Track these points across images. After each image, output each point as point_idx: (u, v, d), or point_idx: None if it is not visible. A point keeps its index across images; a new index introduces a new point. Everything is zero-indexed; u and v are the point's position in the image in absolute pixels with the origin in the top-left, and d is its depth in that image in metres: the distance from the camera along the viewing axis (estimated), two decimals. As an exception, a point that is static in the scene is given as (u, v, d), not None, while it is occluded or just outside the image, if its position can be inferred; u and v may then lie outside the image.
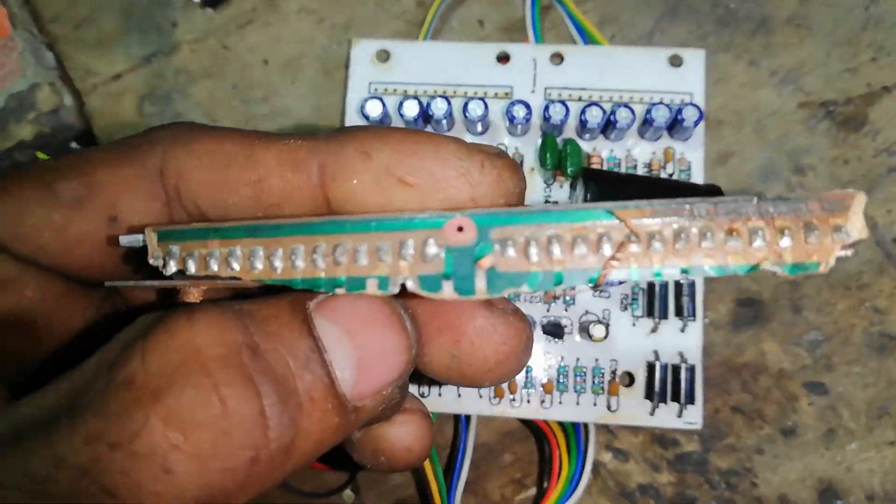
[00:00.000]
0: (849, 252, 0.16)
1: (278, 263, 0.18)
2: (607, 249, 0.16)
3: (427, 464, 0.36)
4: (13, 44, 0.45)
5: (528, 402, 0.37)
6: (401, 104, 0.37)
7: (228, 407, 0.15)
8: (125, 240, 0.18)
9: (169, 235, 0.18)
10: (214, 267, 0.18)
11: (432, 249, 0.17)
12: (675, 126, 0.37)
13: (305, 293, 0.18)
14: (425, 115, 0.37)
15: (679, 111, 0.36)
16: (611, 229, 0.17)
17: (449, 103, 0.37)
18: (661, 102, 0.37)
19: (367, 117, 0.37)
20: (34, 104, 0.44)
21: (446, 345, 0.19)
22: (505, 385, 0.37)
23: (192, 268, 0.18)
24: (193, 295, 0.19)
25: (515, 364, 0.20)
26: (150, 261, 0.18)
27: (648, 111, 0.36)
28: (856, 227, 0.16)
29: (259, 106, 0.42)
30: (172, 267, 0.18)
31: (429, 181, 0.18)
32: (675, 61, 0.39)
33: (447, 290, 0.17)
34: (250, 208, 0.18)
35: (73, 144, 0.45)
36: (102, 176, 0.18)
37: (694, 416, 0.36)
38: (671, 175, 0.38)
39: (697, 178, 0.38)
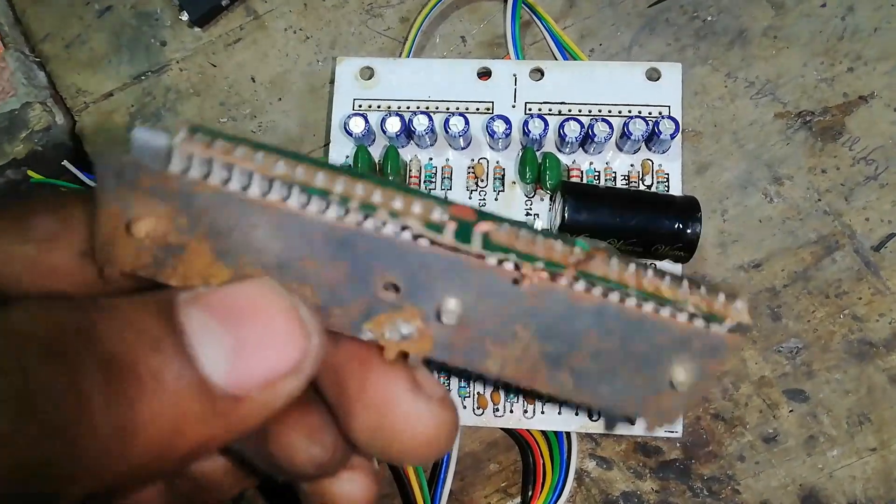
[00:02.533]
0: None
1: (300, 174, 0.18)
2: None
3: (411, 474, 0.37)
4: (4, 63, 0.46)
5: (511, 411, 0.37)
6: (383, 120, 0.38)
7: (30, 381, 0.14)
8: (141, 136, 0.17)
9: (198, 130, 0.18)
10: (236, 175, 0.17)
11: (437, 214, 0.18)
12: (652, 139, 0.37)
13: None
14: (408, 131, 0.38)
15: (656, 124, 0.37)
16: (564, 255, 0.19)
17: (431, 119, 0.37)
18: (638, 115, 0.37)
19: (350, 133, 0.38)
20: (26, 123, 0.45)
21: (371, 422, 0.20)
22: (488, 395, 0.38)
23: (218, 172, 0.17)
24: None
25: (436, 451, 0.20)
26: (175, 163, 0.17)
27: (626, 125, 0.37)
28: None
29: (247, 122, 0.43)
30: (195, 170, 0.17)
31: None
32: (653, 75, 0.39)
33: (448, 232, 0.18)
34: None
35: (66, 163, 0.46)
36: (75, 212, 0.19)
37: (675, 425, 0.37)
38: (650, 186, 0.38)
39: (676, 188, 0.38)
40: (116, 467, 0.15)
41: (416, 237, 0.18)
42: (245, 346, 0.17)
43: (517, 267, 0.18)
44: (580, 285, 0.18)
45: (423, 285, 0.19)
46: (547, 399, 0.37)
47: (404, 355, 0.20)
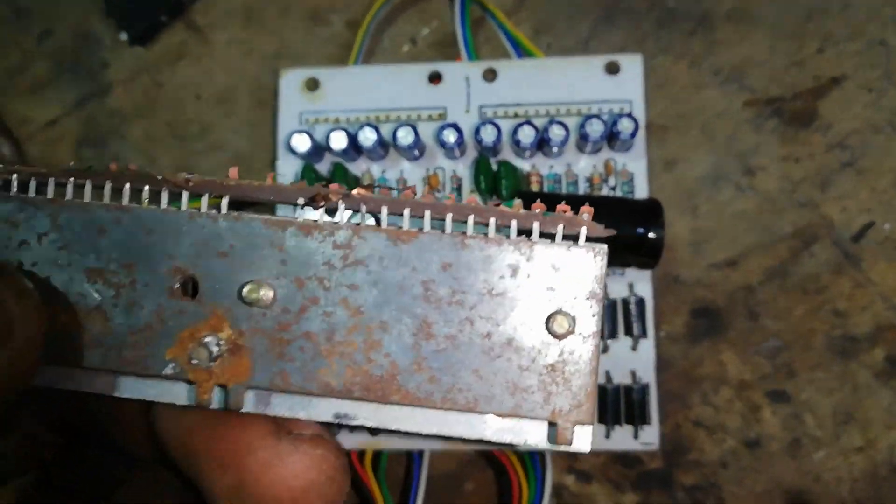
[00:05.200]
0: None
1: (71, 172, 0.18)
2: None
3: (378, 496, 0.36)
4: (-51, 95, 0.44)
5: (480, 432, 0.36)
6: (328, 135, 0.36)
7: None
8: None
9: None
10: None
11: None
12: (612, 138, 0.35)
13: None
14: (355, 146, 0.36)
15: (614, 123, 0.35)
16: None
17: (378, 132, 0.36)
18: (597, 115, 0.35)
19: (294, 152, 0.36)
20: (-29, 156, 0.44)
21: (230, 483, 0.17)
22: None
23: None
24: None
25: (318, 500, 0.17)
26: None
27: (582, 125, 0.35)
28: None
29: (195, 142, 0.42)
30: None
31: None
32: (612, 68, 0.37)
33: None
34: None
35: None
36: None
37: (650, 437, 0.35)
38: (614, 188, 0.37)
39: (641, 188, 0.36)
40: None
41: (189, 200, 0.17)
42: None
43: (311, 200, 0.17)
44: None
45: (221, 271, 0.17)
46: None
47: (223, 393, 0.17)
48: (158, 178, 0.17)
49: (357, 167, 0.38)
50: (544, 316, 0.17)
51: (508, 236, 0.17)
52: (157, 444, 0.18)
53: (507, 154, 0.37)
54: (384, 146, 0.37)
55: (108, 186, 0.18)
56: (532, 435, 0.18)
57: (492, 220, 0.17)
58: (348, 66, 0.39)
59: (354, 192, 0.17)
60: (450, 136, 0.35)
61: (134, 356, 0.17)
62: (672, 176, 0.38)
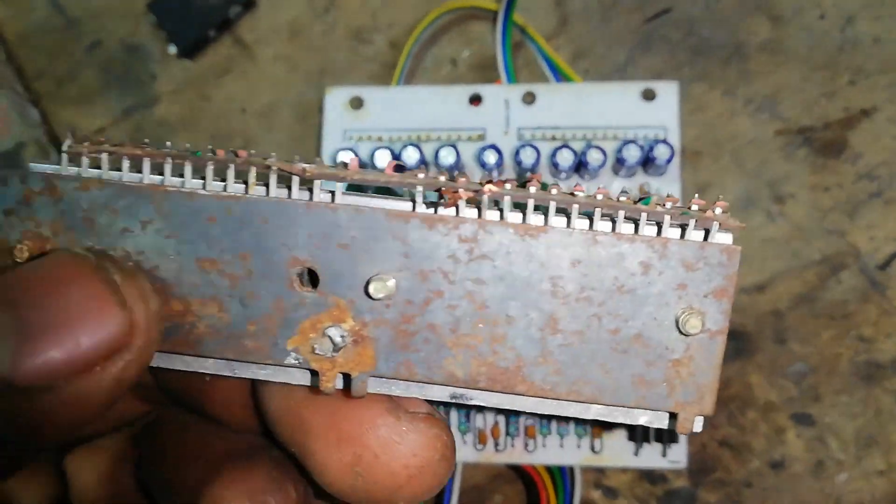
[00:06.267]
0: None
1: (191, 159, 0.17)
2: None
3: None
4: (-1, 102, 0.45)
5: (513, 446, 0.37)
6: (373, 153, 0.37)
7: None
8: (31, 165, 0.18)
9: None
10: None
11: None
12: (648, 163, 0.37)
13: None
14: (398, 165, 0.37)
15: (651, 149, 0.36)
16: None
17: (420, 151, 0.37)
18: (633, 140, 0.37)
19: (339, 169, 0.37)
20: (21, 162, 0.45)
21: (347, 460, 0.17)
22: (489, 430, 0.37)
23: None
24: None
25: (432, 479, 0.17)
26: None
27: (620, 150, 0.36)
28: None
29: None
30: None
31: None
32: (649, 95, 0.38)
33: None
34: None
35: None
36: None
37: (678, 455, 0.36)
38: (648, 211, 0.37)
39: (674, 213, 0.37)
40: None
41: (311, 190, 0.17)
42: (32, 329, 0.14)
43: (440, 193, 0.16)
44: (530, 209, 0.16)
45: (342, 263, 0.17)
46: (545, 430, 0.37)
47: (346, 381, 0.17)
48: (272, 166, 0.17)
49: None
50: (673, 312, 0.17)
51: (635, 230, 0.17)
52: (263, 418, 0.18)
53: (544, 176, 0.38)
54: (424, 165, 0.38)
55: (209, 170, 0.17)
56: (646, 418, 0.18)
57: (621, 214, 0.16)
58: (391, 85, 0.40)
59: (485, 187, 0.16)
60: (490, 157, 0.36)
61: (254, 346, 0.17)
62: (704, 200, 0.39)
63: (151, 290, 0.16)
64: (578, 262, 0.17)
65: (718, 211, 0.17)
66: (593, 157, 0.36)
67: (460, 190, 0.16)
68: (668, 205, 0.17)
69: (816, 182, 0.39)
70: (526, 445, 0.37)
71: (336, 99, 0.40)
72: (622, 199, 0.17)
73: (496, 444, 0.37)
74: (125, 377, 0.15)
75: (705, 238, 0.17)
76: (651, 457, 0.36)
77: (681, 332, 0.17)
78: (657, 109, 0.38)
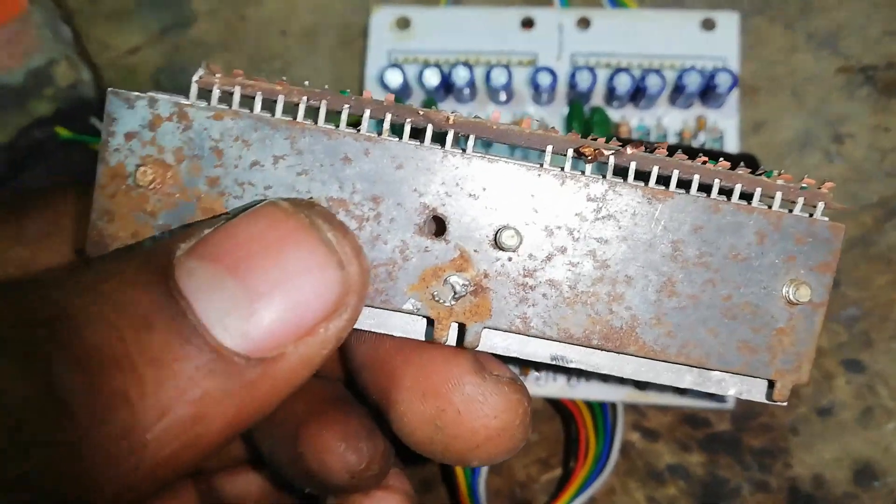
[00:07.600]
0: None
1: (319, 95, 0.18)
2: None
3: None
4: (31, 19, 0.44)
5: (555, 380, 0.36)
6: (421, 73, 0.36)
7: None
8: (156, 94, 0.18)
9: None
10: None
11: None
12: (707, 93, 0.35)
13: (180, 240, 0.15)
14: (447, 85, 0.36)
15: (712, 77, 0.34)
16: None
17: (471, 71, 0.35)
18: (692, 68, 0.35)
19: (386, 87, 0.36)
20: (52, 80, 0.44)
21: (430, 413, 0.17)
22: (530, 363, 0.36)
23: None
24: None
25: (508, 442, 0.17)
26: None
27: (680, 77, 0.35)
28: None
29: (277, 78, 0.41)
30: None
31: None
32: (708, 25, 0.37)
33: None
34: None
35: (94, 120, 0.44)
36: (65, 209, 0.18)
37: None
38: (703, 145, 0.36)
39: (731, 147, 0.36)
40: (133, 475, 0.13)
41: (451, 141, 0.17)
42: (262, 295, 0.14)
43: (578, 152, 0.17)
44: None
45: (470, 212, 0.17)
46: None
47: (460, 333, 0.17)
48: (419, 112, 0.17)
49: (443, 107, 0.37)
50: (781, 282, 0.18)
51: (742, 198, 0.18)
52: (349, 366, 0.19)
53: (597, 102, 0.37)
54: (474, 87, 0.37)
55: (345, 112, 0.17)
56: (736, 389, 0.19)
57: (738, 187, 0.17)
58: (440, 5, 0.39)
59: (627, 149, 0.17)
60: (544, 79, 0.35)
61: (374, 289, 0.17)
62: (760, 138, 0.38)
63: (360, 247, 0.16)
64: (700, 227, 0.17)
65: (826, 190, 0.18)
66: (652, 83, 0.34)
67: (601, 149, 0.17)
68: (780, 182, 0.18)
69: (877, 122, 0.37)
70: (568, 380, 0.36)
71: (382, 19, 0.38)
72: (739, 171, 0.18)
73: (537, 377, 0.36)
74: (342, 337, 0.15)
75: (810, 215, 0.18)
76: (696, 397, 0.35)
77: (789, 301, 0.18)
78: (716, 40, 0.37)
